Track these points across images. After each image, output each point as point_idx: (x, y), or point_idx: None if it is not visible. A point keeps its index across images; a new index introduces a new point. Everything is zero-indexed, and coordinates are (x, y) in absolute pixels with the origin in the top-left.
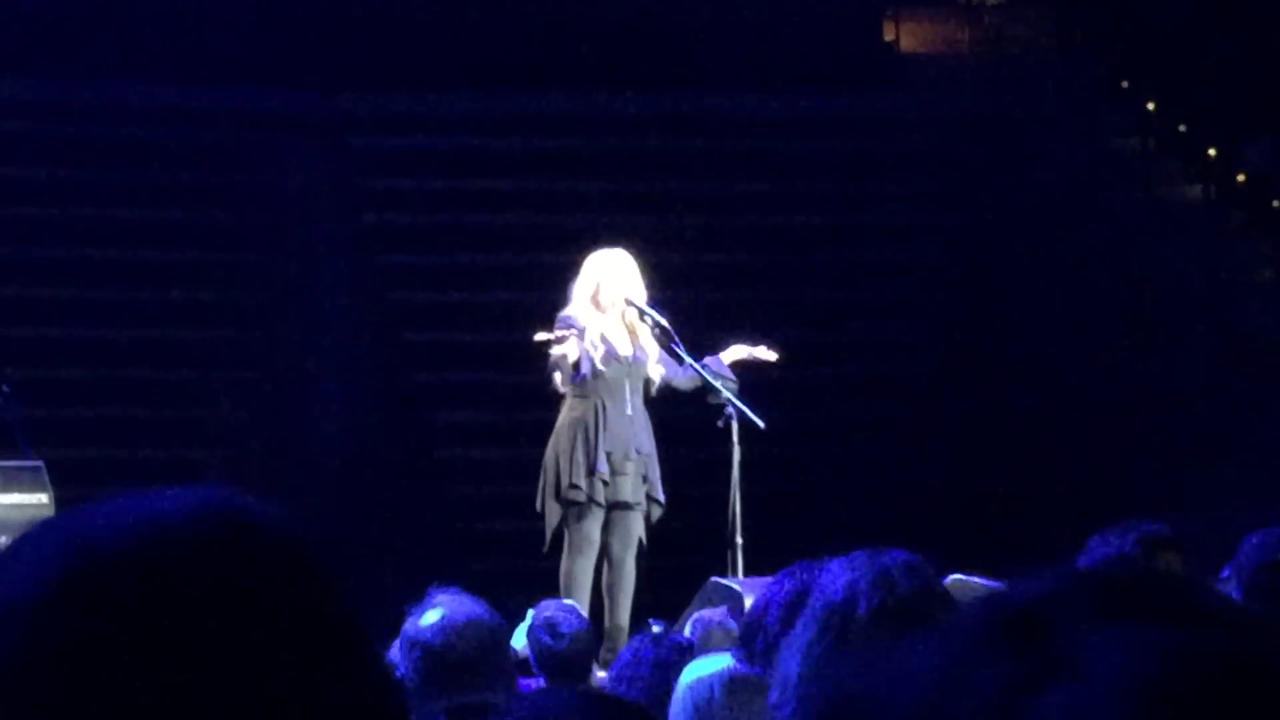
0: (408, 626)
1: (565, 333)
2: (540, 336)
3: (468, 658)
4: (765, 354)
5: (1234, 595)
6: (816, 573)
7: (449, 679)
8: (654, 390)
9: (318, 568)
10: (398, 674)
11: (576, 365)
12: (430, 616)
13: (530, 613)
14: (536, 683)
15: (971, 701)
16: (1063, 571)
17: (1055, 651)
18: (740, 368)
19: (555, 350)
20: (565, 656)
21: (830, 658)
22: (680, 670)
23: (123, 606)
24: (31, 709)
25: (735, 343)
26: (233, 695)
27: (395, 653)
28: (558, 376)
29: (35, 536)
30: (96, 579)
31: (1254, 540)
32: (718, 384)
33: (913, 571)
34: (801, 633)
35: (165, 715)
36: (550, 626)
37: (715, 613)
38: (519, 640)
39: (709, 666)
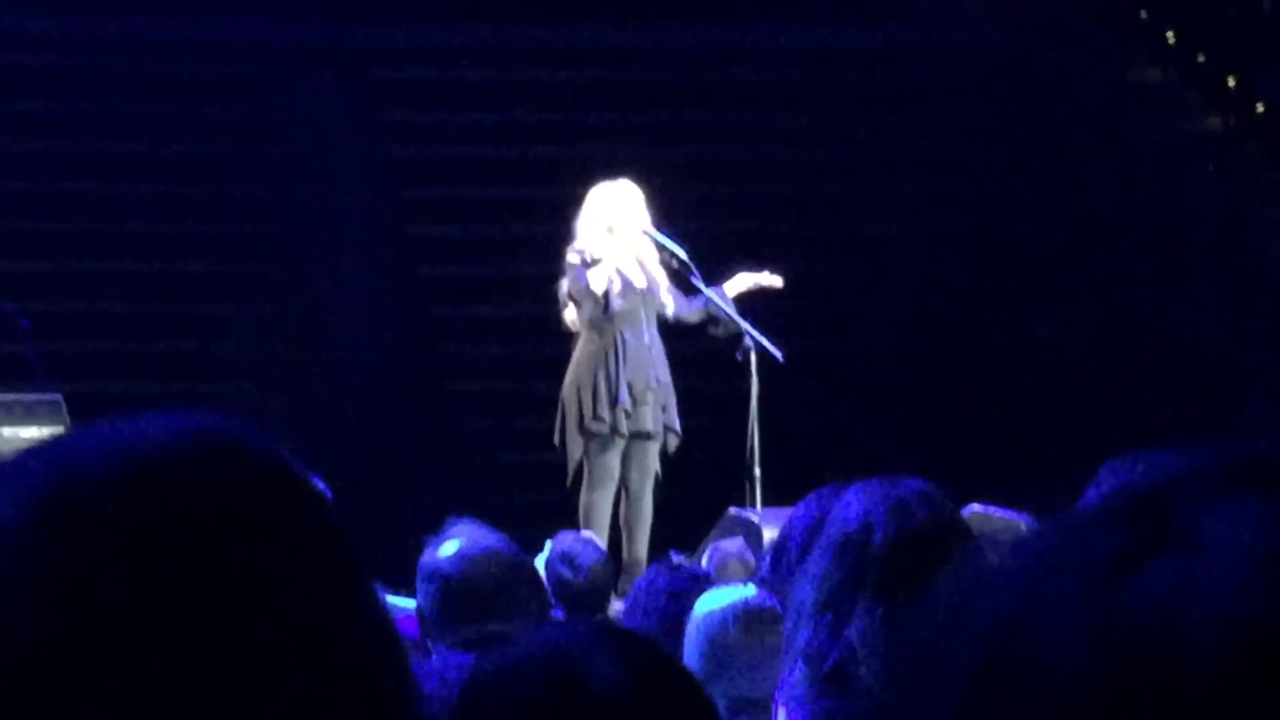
0: (425, 557)
1: (597, 256)
2: (572, 258)
3: (486, 589)
4: (771, 280)
5: None
6: (836, 500)
7: (468, 610)
8: (667, 317)
9: (307, 493)
10: (416, 604)
11: (606, 298)
12: (448, 547)
13: (548, 544)
14: (554, 614)
15: (1075, 572)
16: (1193, 454)
17: (1171, 526)
18: (751, 298)
19: (590, 275)
20: (583, 589)
21: (846, 586)
22: (695, 600)
23: (105, 529)
24: (10, 631)
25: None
26: (216, 620)
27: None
28: (569, 314)
29: (19, 461)
30: (78, 501)
31: None
32: (731, 313)
33: (928, 500)
34: (817, 561)
35: (146, 639)
36: (568, 559)
37: (733, 543)
38: None
39: (722, 599)
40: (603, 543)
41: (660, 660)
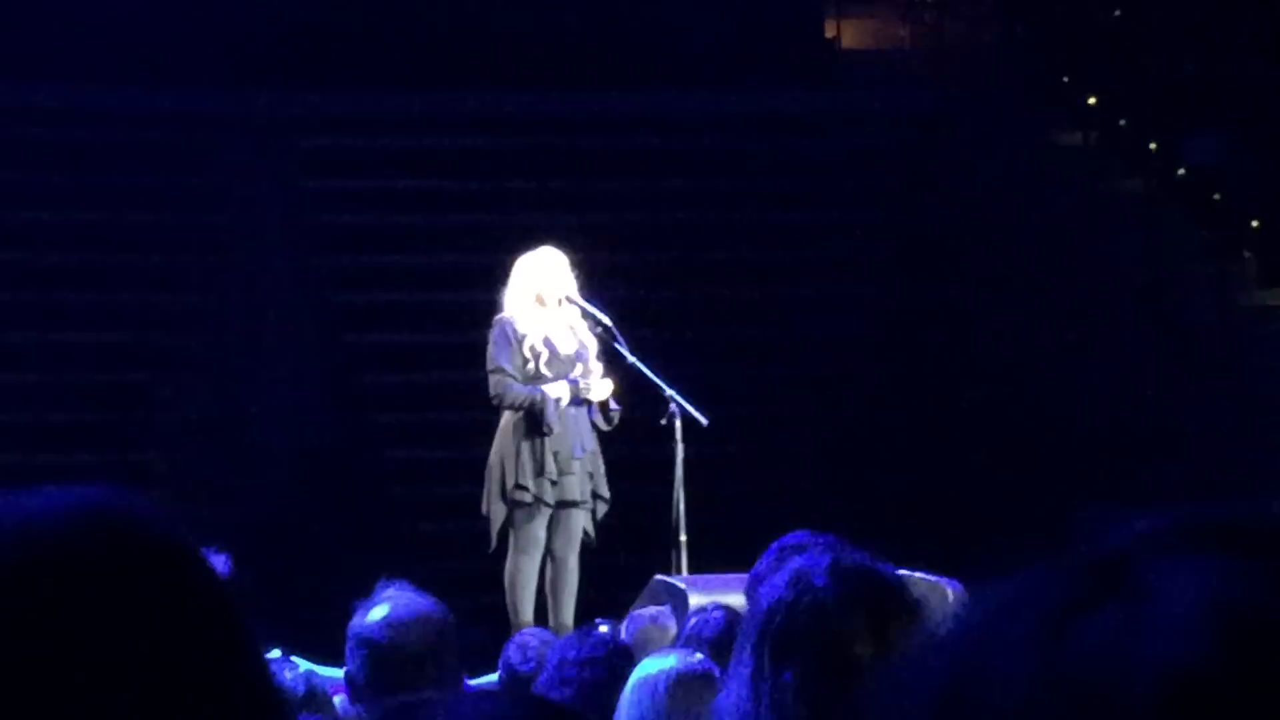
0: (355, 623)
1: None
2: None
3: (416, 654)
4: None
5: None
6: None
7: (397, 676)
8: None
9: (198, 570)
10: (345, 669)
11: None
12: (377, 612)
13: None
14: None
15: (1028, 617)
16: (1153, 515)
17: (1125, 579)
18: (675, 362)
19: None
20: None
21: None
22: (610, 665)
23: None
24: None
25: (674, 347)
26: (108, 696)
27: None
28: (502, 405)
29: None
30: None
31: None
32: (655, 378)
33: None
34: (743, 640)
35: (38, 715)
36: (520, 647)
37: (648, 611)
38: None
39: (657, 665)
40: (529, 607)
41: None
